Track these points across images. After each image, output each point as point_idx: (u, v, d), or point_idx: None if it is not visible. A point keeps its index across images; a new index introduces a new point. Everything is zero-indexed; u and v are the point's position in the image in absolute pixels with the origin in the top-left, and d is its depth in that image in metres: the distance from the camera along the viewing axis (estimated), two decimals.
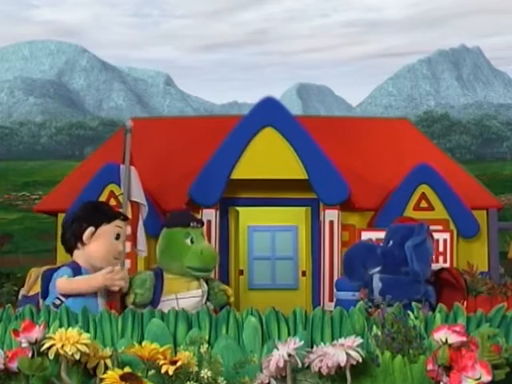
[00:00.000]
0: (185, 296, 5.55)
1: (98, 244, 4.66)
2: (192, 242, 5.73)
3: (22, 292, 4.79)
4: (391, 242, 5.88)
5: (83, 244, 4.67)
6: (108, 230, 4.75)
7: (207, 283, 5.85)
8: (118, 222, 4.83)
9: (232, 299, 6.00)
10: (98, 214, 4.79)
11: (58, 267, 4.70)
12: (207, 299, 5.78)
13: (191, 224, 5.78)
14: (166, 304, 5.41)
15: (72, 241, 4.71)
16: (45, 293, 4.59)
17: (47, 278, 4.63)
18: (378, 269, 5.76)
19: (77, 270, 4.56)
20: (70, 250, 4.77)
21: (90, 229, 4.66)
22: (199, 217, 8.83)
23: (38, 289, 4.65)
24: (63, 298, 4.35)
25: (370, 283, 5.78)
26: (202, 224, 5.99)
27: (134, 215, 7.86)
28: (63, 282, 4.46)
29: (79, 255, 4.67)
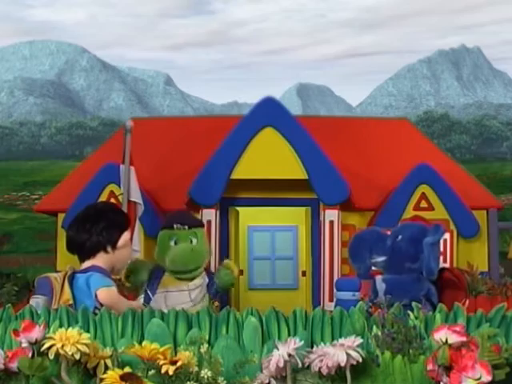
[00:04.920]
0: (172, 290, 5.72)
1: (127, 247, 4.65)
2: (176, 243, 5.81)
3: (53, 306, 4.58)
4: (400, 237, 5.86)
5: (115, 249, 4.59)
6: (129, 232, 4.76)
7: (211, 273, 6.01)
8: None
9: (236, 271, 6.05)
10: (125, 217, 4.78)
11: (77, 272, 4.56)
12: (211, 284, 5.87)
13: (174, 226, 5.84)
14: (157, 297, 5.77)
15: (101, 246, 4.59)
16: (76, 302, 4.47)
17: (71, 285, 4.52)
18: (382, 258, 5.74)
19: (111, 277, 4.53)
20: (87, 254, 4.62)
21: (127, 234, 4.63)
22: (199, 217, 8.85)
23: (67, 299, 4.52)
24: (99, 307, 4.26)
25: (374, 285, 5.77)
26: (190, 225, 5.93)
27: (130, 215, 7.89)
28: (113, 295, 4.36)
29: (103, 259, 4.55)
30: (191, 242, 5.83)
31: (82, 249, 4.59)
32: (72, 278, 4.51)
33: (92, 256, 4.55)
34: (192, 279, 5.84)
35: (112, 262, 4.57)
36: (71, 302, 4.41)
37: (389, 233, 6.00)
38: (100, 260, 4.53)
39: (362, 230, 6.37)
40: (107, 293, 4.33)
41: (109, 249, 4.55)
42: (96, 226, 4.58)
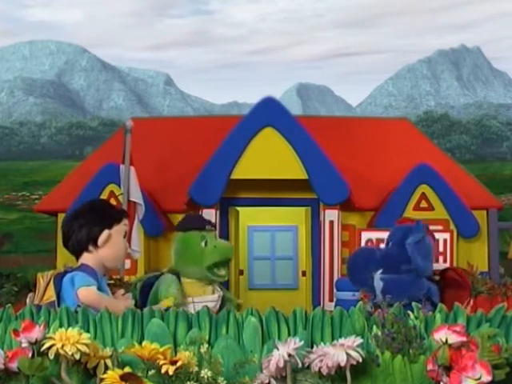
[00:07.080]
0: (201, 300, 5.55)
1: (113, 246, 4.56)
2: (206, 244, 5.70)
3: (35, 301, 4.60)
4: (390, 244, 5.93)
5: (97, 247, 4.55)
6: (119, 229, 4.65)
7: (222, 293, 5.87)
8: (124, 221, 4.75)
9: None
10: (110, 214, 4.70)
11: (68, 271, 4.56)
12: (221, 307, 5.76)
13: (206, 227, 5.74)
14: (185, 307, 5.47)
15: (83, 244, 4.56)
16: (58, 299, 4.46)
17: (60, 284, 4.51)
18: (379, 271, 5.78)
19: (95, 276, 4.48)
20: (76, 252, 4.63)
21: (107, 232, 4.56)
22: None
23: (50, 296, 4.52)
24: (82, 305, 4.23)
25: (372, 283, 5.80)
26: (215, 226, 5.92)
27: (130, 215, 7.89)
28: (92, 294, 4.30)
29: (90, 257, 4.53)
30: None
31: (69, 248, 4.61)
32: (63, 276, 4.52)
33: (80, 255, 4.56)
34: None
35: (99, 261, 4.54)
36: (54, 298, 4.42)
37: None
38: (87, 259, 4.52)
39: (352, 253, 6.39)
40: (85, 292, 4.30)
41: (91, 247, 4.53)
42: (76, 225, 4.58)
